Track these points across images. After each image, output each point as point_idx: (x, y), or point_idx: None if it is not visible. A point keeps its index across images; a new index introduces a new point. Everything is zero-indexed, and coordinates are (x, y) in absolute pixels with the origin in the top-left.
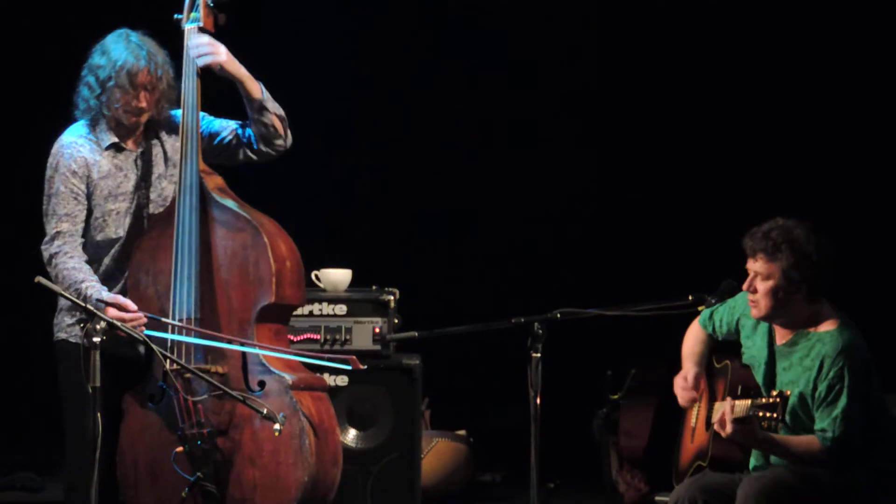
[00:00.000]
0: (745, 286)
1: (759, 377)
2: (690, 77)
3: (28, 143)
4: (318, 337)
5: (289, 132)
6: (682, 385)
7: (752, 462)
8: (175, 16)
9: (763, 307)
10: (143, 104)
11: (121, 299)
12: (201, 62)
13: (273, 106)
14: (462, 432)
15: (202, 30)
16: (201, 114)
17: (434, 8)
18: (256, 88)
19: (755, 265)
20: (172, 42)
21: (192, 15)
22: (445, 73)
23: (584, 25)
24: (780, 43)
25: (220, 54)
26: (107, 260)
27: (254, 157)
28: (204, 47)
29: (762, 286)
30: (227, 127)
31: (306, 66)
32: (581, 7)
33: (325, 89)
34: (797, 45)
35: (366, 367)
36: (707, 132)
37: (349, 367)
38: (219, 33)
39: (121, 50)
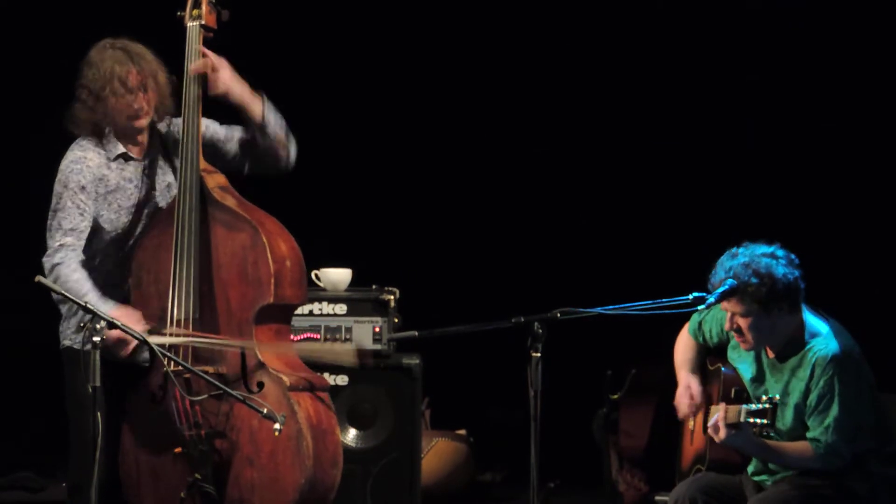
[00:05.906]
0: (727, 327)
1: (747, 387)
2: (689, 77)
3: (32, 151)
4: (318, 336)
5: (292, 146)
6: (689, 402)
7: (751, 468)
8: (177, 13)
9: (751, 340)
10: (141, 105)
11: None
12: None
13: (274, 124)
14: (462, 432)
15: (204, 27)
16: (210, 121)
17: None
18: (258, 111)
19: (730, 305)
20: (177, 41)
21: (195, 12)
22: (446, 71)
23: (585, 23)
24: (780, 43)
25: (223, 80)
26: (111, 267)
27: (258, 171)
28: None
29: (743, 322)
30: (233, 137)
31: (306, 64)
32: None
33: (325, 88)
34: (798, 47)
35: (371, 363)
36: (707, 131)
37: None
38: (221, 30)
39: (106, 58)
